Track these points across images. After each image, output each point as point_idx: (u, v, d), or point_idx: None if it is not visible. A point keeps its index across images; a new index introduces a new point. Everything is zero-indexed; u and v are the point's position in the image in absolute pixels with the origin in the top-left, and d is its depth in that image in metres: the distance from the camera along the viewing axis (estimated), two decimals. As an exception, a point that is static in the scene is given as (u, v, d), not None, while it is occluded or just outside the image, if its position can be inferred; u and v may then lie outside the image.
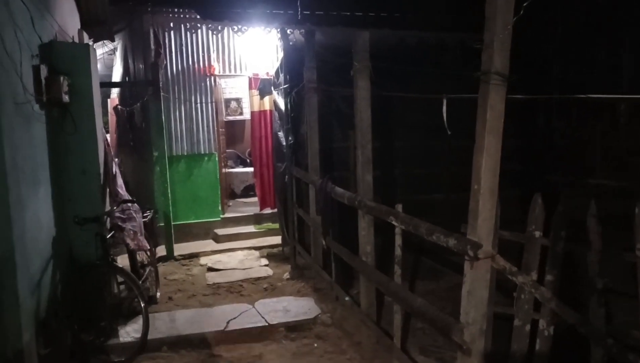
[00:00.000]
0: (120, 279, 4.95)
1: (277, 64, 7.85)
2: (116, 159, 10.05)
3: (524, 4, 2.72)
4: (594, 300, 3.07)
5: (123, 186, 5.59)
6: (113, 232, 5.08)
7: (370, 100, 4.42)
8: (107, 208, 5.24)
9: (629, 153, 6.39)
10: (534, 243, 3.22)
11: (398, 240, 3.79)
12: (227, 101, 11.43)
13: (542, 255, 3.26)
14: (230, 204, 9.82)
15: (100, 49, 9.93)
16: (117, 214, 5.15)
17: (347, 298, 5.12)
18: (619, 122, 6.59)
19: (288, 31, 7.38)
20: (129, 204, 5.29)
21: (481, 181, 2.88)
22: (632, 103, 6.25)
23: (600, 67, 6.71)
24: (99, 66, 10.27)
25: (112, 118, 10.55)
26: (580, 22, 6.91)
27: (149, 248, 5.54)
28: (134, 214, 5.30)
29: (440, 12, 7.61)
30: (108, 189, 5.33)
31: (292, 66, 6.91)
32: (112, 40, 7.80)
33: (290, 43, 7.29)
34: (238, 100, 11.80)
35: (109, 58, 11.02)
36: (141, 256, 5.64)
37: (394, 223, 3.76)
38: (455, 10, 7.24)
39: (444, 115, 4.26)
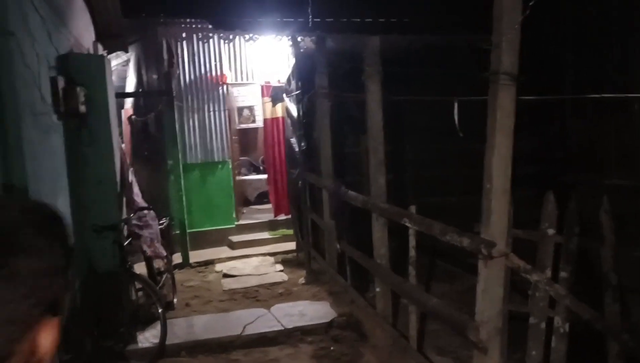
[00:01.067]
0: (138, 285, 5.03)
1: (288, 71, 7.93)
2: (131, 169, 10.20)
3: (530, 3, 2.75)
4: (608, 295, 3.07)
5: (139, 194, 5.67)
6: (130, 239, 5.15)
7: (381, 103, 4.46)
8: (124, 216, 5.33)
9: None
10: (547, 240, 3.23)
11: (412, 241, 3.81)
12: (240, 109, 11.52)
13: (556, 253, 3.27)
14: (245, 211, 9.89)
15: (114, 61, 10.07)
16: (134, 221, 5.23)
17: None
18: (634, 122, 6.55)
19: (299, 38, 7.45)
20: (145, 211, 5.37)
21: (493, 180, 2.90)
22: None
23: (615, 67, 6.67)
24: (112, 77, 10.43)
25: (126, 128, 10.69)
26: (593, 21, 6.89)
27: (165, 255, 5.61)
28: (151, 222, 5.38)
29: (449, 15, 7.63)
30: (125, 198, 5.42)
31: (304, 72, 6.97)
32: (126, 51, 7.93)
33: (301, 50, 7.36)
34: (251, 108, 11.88)
35: (122, 69, 11.18)
36: (158, 264, 5.72)
37: (407, 224, 3.78)
38: (465, 11, 7.26)
39: (456, 118, 4.29)
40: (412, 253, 3.82)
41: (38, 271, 0.69)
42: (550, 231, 3.21)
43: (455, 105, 4.39)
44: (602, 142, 6.87)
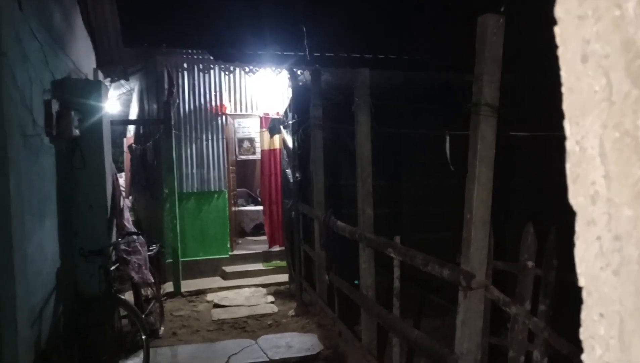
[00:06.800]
0: (123, 312, 4.98)
1: (286, 103, 8.00)
2: (130, 197, 10.23)
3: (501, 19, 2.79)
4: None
5: (130, 219, 5.67)
6: (118, 264, 5.12)
7: (370, 135, 4.47)
8: (114, 240, 5.31)
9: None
10: (527, 272, 3.20)
11: (396, 272, 3.78)
12: (241, 141, 11.60)
13: (536, 285, 3.23)
14: (240, 242, 9.84)
15: (119, 89, 10.23)
16: (123, 246, 5.21)
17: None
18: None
19: (298, 72, 7.55)
20: (135, 237, 5.35)
21: (473, 211, 2.90)
22: None
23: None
24: (117, 104, 10.58)
25: (126, 156, 10.78)
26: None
27: (153, 281, 5.57)
28: (139, 248, 5.36)
29: (447, 53, 7.74)
30: (115, 222, 5.41)
31: (300, 104, 7.04)
32: (127, 79, 8.05)
33: (300, 83, 7.45)
34: (251, 139, 11.96)
35: (127, 98, 11.34)
36: (146, 291, 5.67)
37: (392, 255, 3.76)
38: (461, 50, 7.34)
39: (447, 151, 4.31)
40: (396, 284, 3.78)
41: None
42: (530, 264, 3.17)
43: (447, 139, 4.42)
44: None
